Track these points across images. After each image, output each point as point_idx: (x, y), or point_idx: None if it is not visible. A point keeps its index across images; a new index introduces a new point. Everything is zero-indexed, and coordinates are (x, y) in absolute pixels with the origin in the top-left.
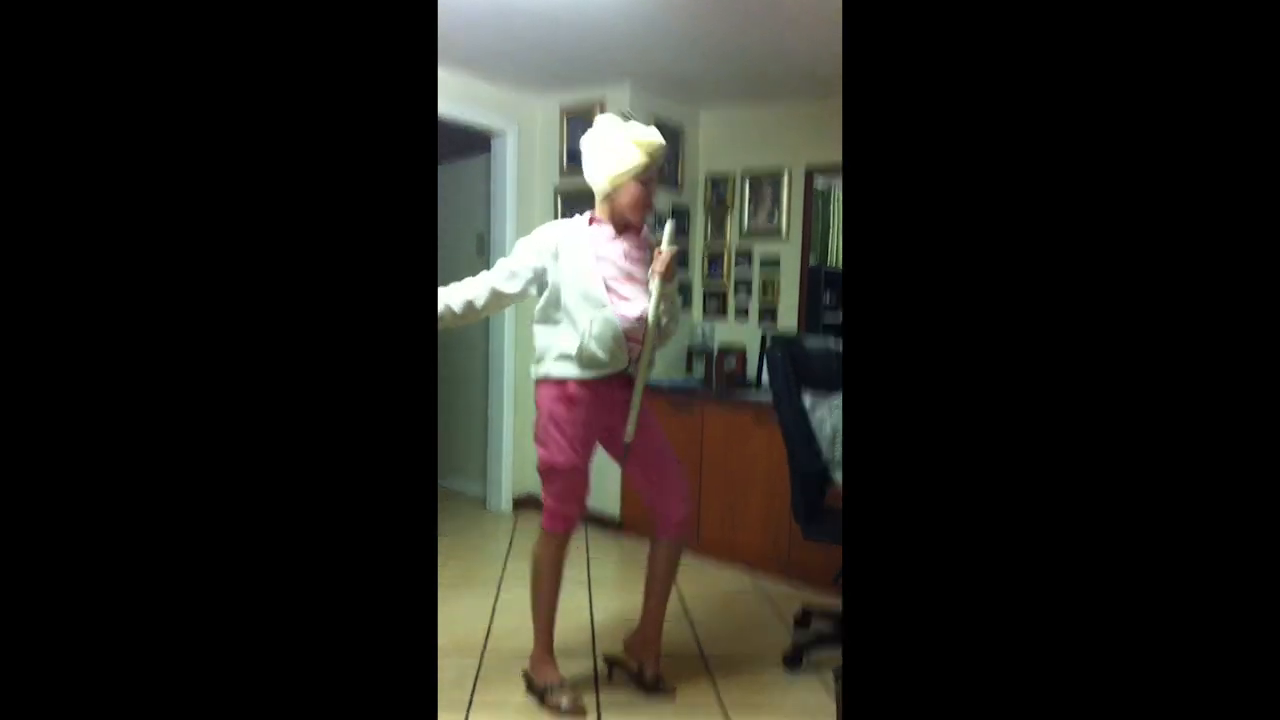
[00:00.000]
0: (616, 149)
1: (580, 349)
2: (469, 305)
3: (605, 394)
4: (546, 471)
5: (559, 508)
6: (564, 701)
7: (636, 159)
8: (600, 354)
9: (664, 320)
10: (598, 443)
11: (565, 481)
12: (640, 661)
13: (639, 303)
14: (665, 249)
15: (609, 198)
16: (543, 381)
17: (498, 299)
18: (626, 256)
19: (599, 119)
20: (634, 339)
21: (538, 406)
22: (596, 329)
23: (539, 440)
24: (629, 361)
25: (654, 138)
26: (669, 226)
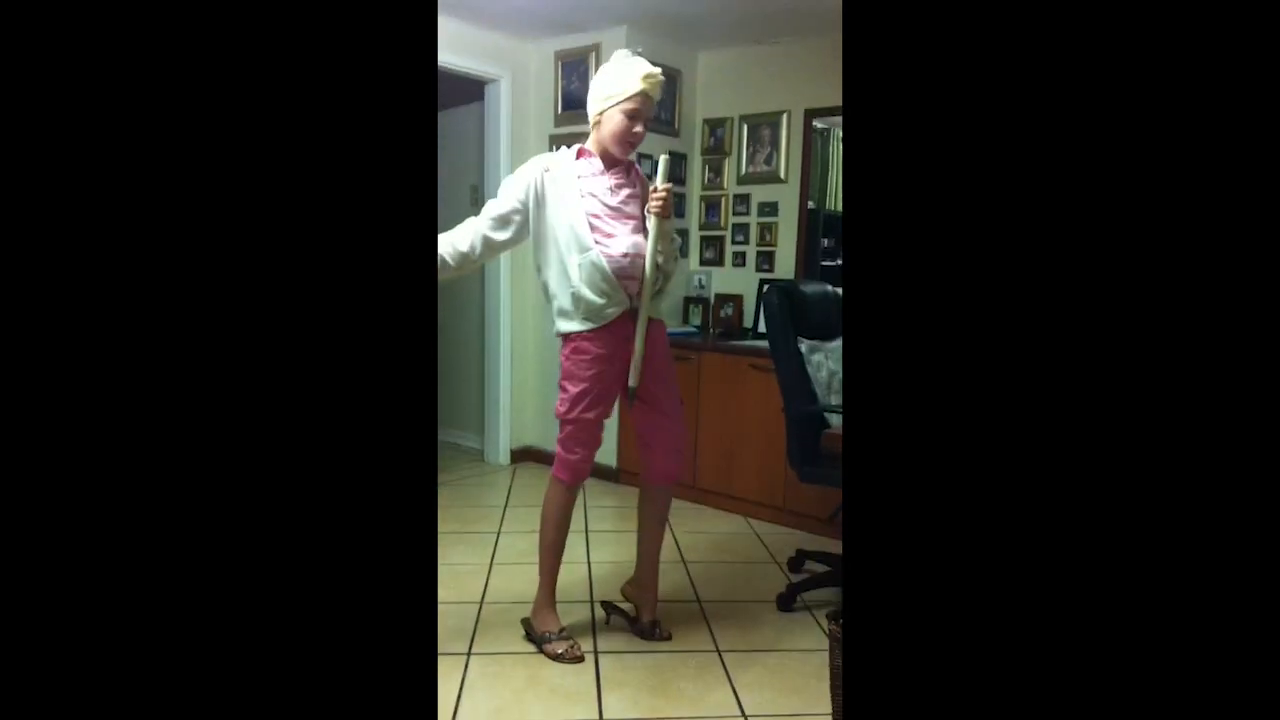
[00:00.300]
0: (613, 77)
1: (574, 298)
2: (464, 258)
3: (617, 341)
4: (559, 421)
5: (566, 457)
6: (562, 649)
7: (629, 86)
8: (595, 297)
9: (661, 260)
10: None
11: (573, 432)
12: (637, 607)
13: (626, 239)
14: (661, 185)
15: (597, 126)
16: (560, 338)
17: (490, 248)
18: (613, 191)
19: (615, 54)
20: (626, 276)
21: (560, 361)
22: (585, 273)
23: (559, 392)
24: (631, 299)
25: (652, 69)
26: (663, 161)
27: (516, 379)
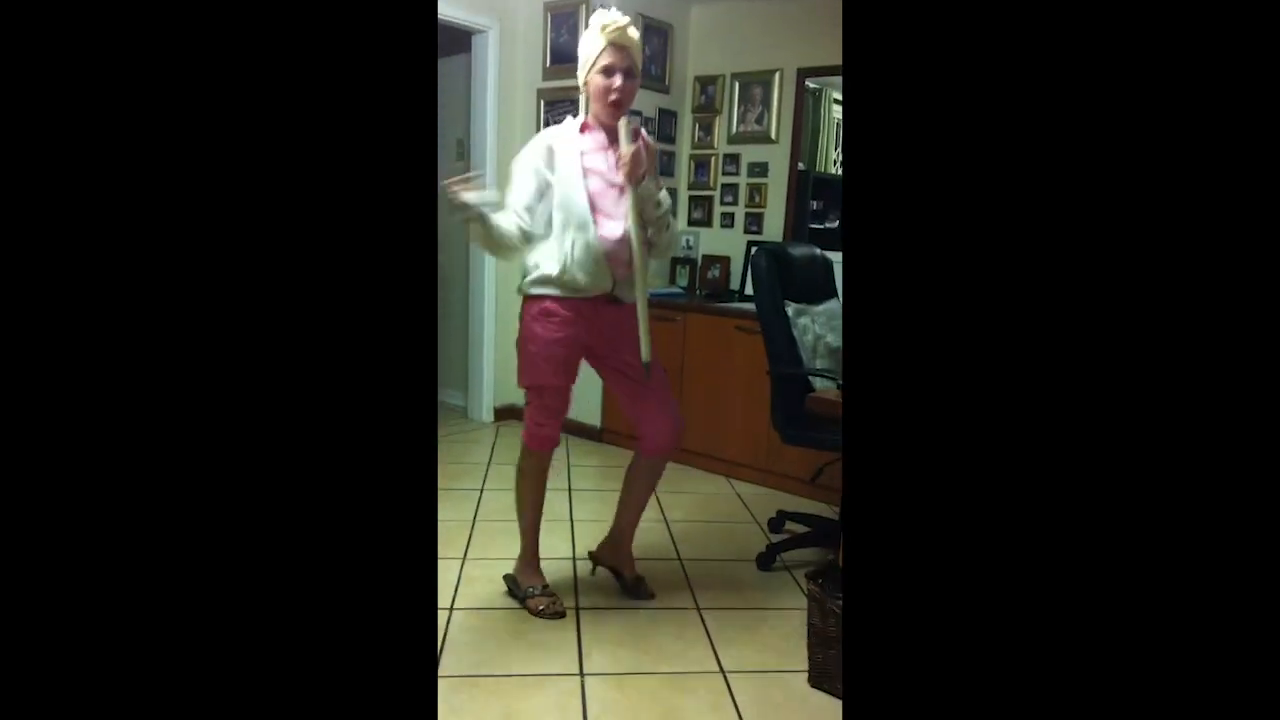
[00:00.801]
0: (586, 39)
1: (561, 271)
2: (512, 247)
3: (586, 313)
4: (525, 388)
5: (534, 426)
6: (543, 605)
7: (597, 44)
8: (581, 278)
9: (649, 231)
10: (581, 363)
11: (540, 400)
12: (615, 567)
13: (623, 221)
14: (624, 148)
15: (589, 97)
16: (526, 298)
17: (528, 240)
18: (615, 168)
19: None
20: (617, 260)
21: (520, 322)
22: (578, 253)
23: (519, 357)
24: (614, 283)
25: (615, 20)
26: (623, 124)
27: (501, 337)
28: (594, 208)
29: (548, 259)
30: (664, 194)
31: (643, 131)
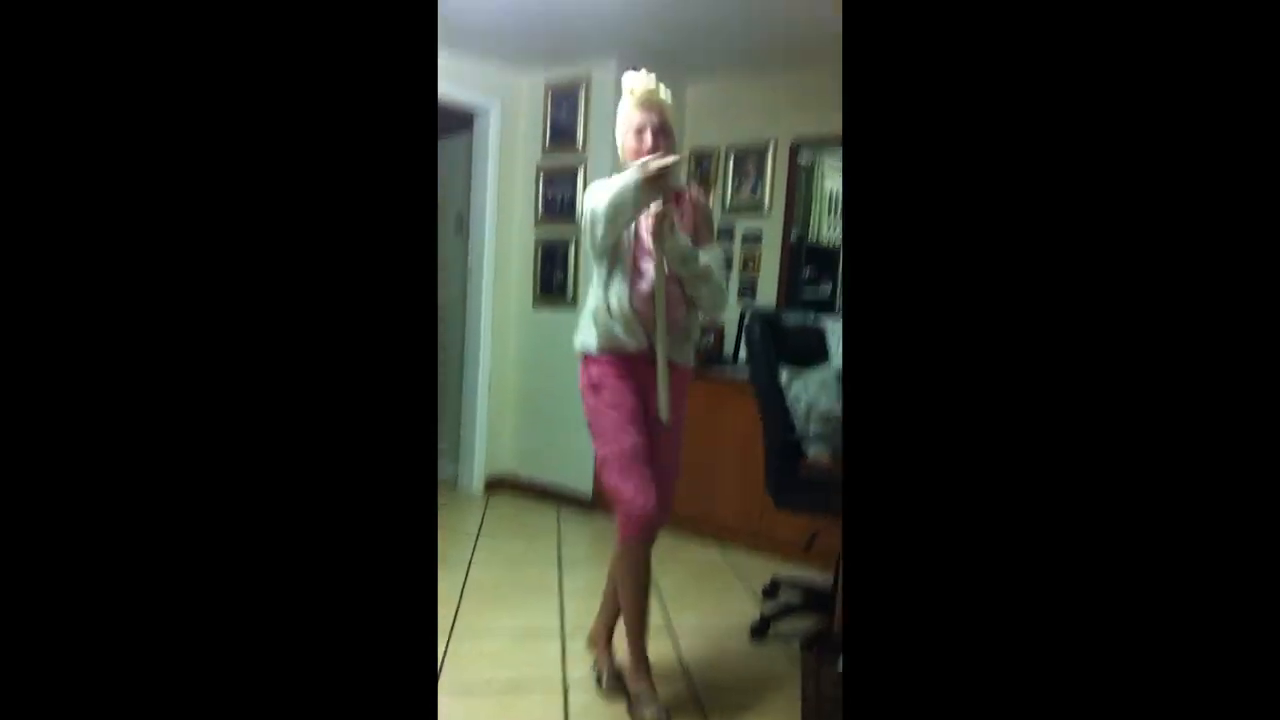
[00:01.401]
0: (620, 107)
1: (596, 313)
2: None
3: (635, 377)
4: (600, 466)
5: (620, 508)
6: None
7: (628, 108)
8: (618, 329)
9: (685, 287)
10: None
11: (614, 469)
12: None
13: (653, 276)
14: (654, 206)
15: (625, 161)
16: (582, 359)
17: None
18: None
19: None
20: (645, 315)
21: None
22: (613, 302)
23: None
24: (649, 342)
25: (643, 83)
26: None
27: (493, 407)
28: (633, 261)
29: (591, 299)
30: (707, 252)
31: (691, 191)
